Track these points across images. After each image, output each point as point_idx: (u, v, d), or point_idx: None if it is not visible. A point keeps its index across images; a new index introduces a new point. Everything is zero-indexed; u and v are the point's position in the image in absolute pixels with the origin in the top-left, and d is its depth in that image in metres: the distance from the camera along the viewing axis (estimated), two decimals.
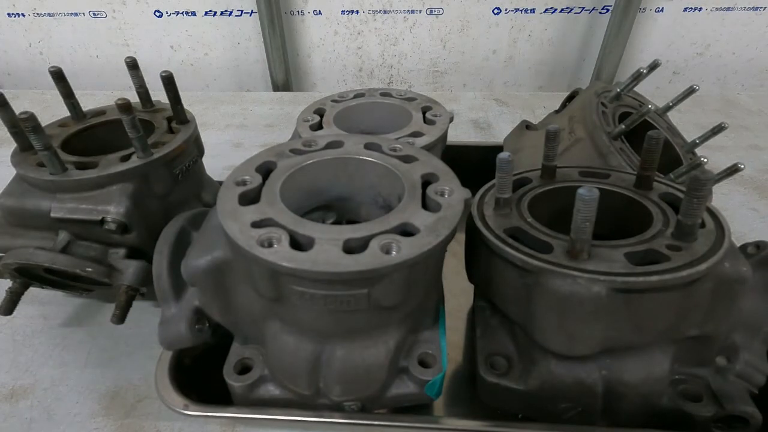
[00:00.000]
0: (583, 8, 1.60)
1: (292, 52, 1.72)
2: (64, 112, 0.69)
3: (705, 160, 0.59)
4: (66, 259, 0.58)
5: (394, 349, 0.48)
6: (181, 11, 1.66)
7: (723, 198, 0.97)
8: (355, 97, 0.80)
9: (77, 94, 0.69)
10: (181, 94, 0.68)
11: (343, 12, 1.64)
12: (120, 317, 0.60)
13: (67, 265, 0.57)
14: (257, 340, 0.52)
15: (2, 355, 0.67)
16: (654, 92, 0.96)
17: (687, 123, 1.22)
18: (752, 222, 0.92)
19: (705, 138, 0.70)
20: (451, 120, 0.74)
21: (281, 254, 0.40)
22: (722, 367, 0.49)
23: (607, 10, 1.58)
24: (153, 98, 0.73)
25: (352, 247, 0.42)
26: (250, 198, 0.48)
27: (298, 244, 0.42)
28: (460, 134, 1.23)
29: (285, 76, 1.70)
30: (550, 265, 0.43)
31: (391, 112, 0.78)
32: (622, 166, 0.61)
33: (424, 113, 0.74)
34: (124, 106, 0.55)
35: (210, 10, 1.65)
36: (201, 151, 0.74)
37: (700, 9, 1.59)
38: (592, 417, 0.49)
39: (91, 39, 1.73)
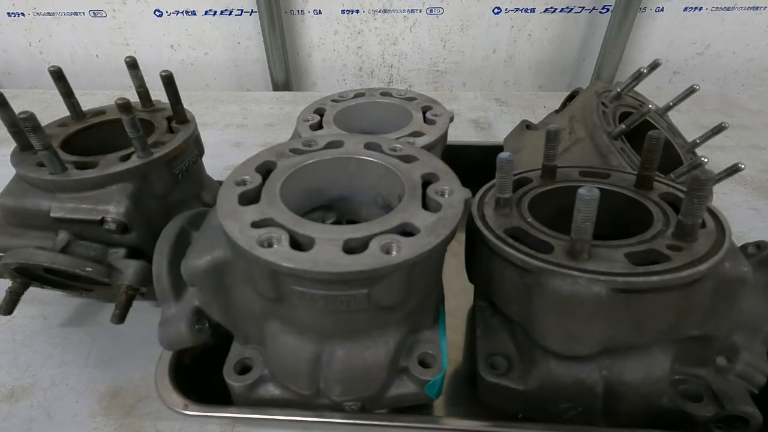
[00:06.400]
0: (583, 8, 1.60)
1: (292, 51, 1.72)
2: (63, 111, 0.69)
3: (705, 159, 0.59)
4: (66, 259, 0.57)
5: (394, 349, 0.48)
6: (181, 11, 1.66)
7: (723, 198, 0.97)
8: (355, 96, 0.80)
9: (77, 93, 0.68)
10: (181, 93, 0.68)
11: (343, 11, 1.64)
12: (120, 317, 0.60)
13: (66, 265, 0.57)
14: (257, 340, 0.52)
15: (2, 355, 0.67)
16: (654, 92, 0.96)
17: (687, 123, 1.22)
18: (753, 222, 0.92)
19: (705, 138, 0.70)
20: (451, 120, 0.73)
21: (281, 254, 0.40)
22: (723, 367, 0.49)
23: (608, 10, 1.58)
24: (153, 98, 0.73)
25: (352, 247, 0.42)
26: (250, 198, 0.48)
27: (298, 244, 0.42)
28: (460, 134, 1.23)
29: (285, 75, 1.70)
30: (551, 265, 0.43)
31: (391, 111, 0.78)
32: (623, 166, 0.60)
33: (424, 113, 0.74)
34: (124, 106, 0.55)
35: (210, 10, 1.65)
36: (201, 151, 0.74)
37: (700, 9, 1.59)
38: (592, 417, 0.49)
39: (91, 38, 1.73)
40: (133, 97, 0.66)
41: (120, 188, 0.59)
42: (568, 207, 0.43)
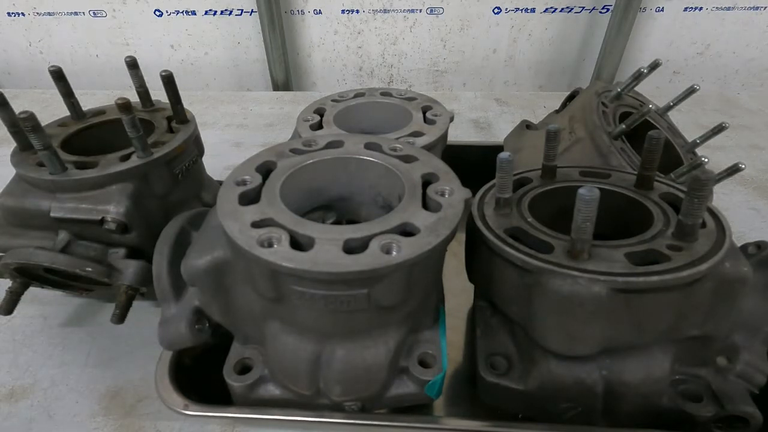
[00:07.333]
0: (584, 8, 1.60)
1: (292, 51, 1.72)
2: (63, 111, 0.69)
3: (706, 159, 0.59)
4: (66, 258, 0.57)
5: (394, 349, 0.48)
6: (181, 10, 1.66)
7: (724, 198, 0.97)
8: (355, 96, 0.80)
9: (77, 93, 0.68)
10: (181, 93, 0.68)
11: (343, 11, 1.64)
12: (120, 317, 0.60)
13: (66, 264, 0.57)
14: (257, 340, 0.52)
15: (2, 355, 0.67)
16: (654, 92, 0.96)
17: (687, 123, 1.22)
18: (753, 222, 0.92)
19: (705, 138, 0.70)
20: (452, 120, 0.73)
21: (281, 254, 0.40)
22: (723, 367, 0.49)
23: (608, 10, 1.58)
24: (153, 98, 0.73)
25: (352, 247, 0.42)
26: (250, 198, 0.48)
27: (298, 244, 0.42)
28: (460, 134, 1.23)
29: (285, 75, 1.70)
30: (551, 265, 0.43)
31: (391, 111, 0.78)
32: (623, 166, 0.60)
33: (424, 113, 0.74)
34: (124, 106, 0.55)
35: (210, 10, 1.65)
36: (201, 151, 0.74)
37: (701, 8, 1.59)
38: (592, 417, 0.49)
39: (91, 38, 1.73)
40: (133, 97, 0.66)
41: (120, 188, 0.59)
42: (568, 207, 0.43)
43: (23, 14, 1.68)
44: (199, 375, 0.57)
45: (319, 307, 0.43)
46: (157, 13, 1.66)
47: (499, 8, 1.62)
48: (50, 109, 1.34)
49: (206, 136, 0.75)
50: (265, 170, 0.52)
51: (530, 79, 1.78)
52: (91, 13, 1.67)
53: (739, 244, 0.49)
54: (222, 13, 1.65)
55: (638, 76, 0.69)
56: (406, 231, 0.44)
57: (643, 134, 0.52)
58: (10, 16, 1.69)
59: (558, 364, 0.47)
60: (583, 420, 0.49)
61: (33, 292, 0.65)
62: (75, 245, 0.60)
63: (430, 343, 0.51)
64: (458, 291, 0.64)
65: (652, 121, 0.72)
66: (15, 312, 0.62)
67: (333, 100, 0.79)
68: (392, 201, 0.55)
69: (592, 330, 0.44)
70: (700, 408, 0.47)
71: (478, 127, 1.28)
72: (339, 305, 0.42)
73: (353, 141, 0.58)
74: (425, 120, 0.72)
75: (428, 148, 0.64)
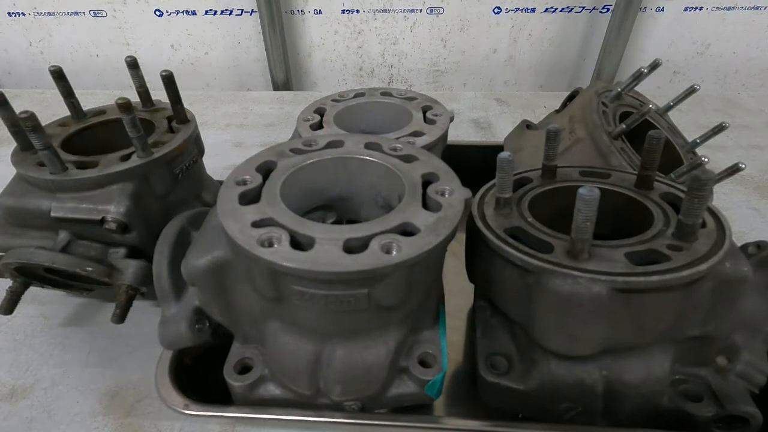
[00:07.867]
0: (584, 8, 1.60)
1: (292, 51, 1.72)
2: (64, 111, 0.69)
3: (706, 159, 0.59)
4: (66, 258, 0.57)
5: (395, 349, 0.48)
6: (181, 10, 1.66)
7: (724, 197, 0.97)
8: (356, 96, 0.80)
9: (77, 93, 0.68)
10: (182, 93, 0.68)
11: (343, 11, 1.64)
12: (120, 317, 0.60)
13: (67, 264, 0.57)
14: (257, 340, 0.52)
15: (2, 354, 0.67)
16: (654, 92, 0.96)
17: (687, 122, 1.22)
18: (753, 222, 0.92)
19: (706, 138, 0.70)
20: (452, 119, 0.73)
21: (281, 254, 0.40)
22: (723, 367, 0.49)
23: (608, 10, 1.58)
24: (153, 97, 0.73)
25: (352, 247, 0.42)
26: (250, 198, 0.48)
27: (298, 243, 0.42)
28: (460, 134, 1.23)
29: (285, 75, 1.70)
30: (551, 264, 0.43)
31: (391, 111, 0.78)
32: (623, 166, 0.60)
33: (424, 113, 0.74)
34: (125, 106, 0.55)
35: (210, 9, 1.65)
36: (201, 151, 0.74)
37: (701, 8, 1.58)
38: (593, 417, 0.49)
39: (92, 38, 1.73)
40: (134, 97, 0.66)
41: (120, 188, 0.59)
42: (568, 207, 0.43)
43: (23, 14, 1.68)
44: (199, 375, 0.57)
45: (319, 307, 0.43)
46: (158, 13, 1.66)
47: (499, 8, 1.62)
48: (50, 109, 1.34)
49: (206, 136, 0.75)
50: (266, 170, 0.52)
51: (530, 79, 1.78)
52: (92, 13, 1.67)
53: (739, 244, 0.49)
54: (222, 13, 1.65)
55: (638, 76, 0.69)
56: (406, 231, 0.44)
57: (643, 134, 0.52)
58: (11, 16, 1.69)
59: (558, 364, 0.47)
60: (583, 420, 0.49)
61: (33, 291, 0.65)
62: (75, 245, 0.60)
63: (430, 342, 0.51)
64: (458, 291, 0.64)
65: (652, 121, 0.72)
66: (15, 311, 0.62)
67: (333, 100, 0.79)
68: (392, 201, 0.55)
69: (592, 330, 0.44)
70: (700, 408, 0.47)
71: (478, 127, 1.28)
72: (339, 305, 0.42)
73: (353, 141, 0.58)
74: (425, 120, 0.72)
75: (428, 148, 0.64)
